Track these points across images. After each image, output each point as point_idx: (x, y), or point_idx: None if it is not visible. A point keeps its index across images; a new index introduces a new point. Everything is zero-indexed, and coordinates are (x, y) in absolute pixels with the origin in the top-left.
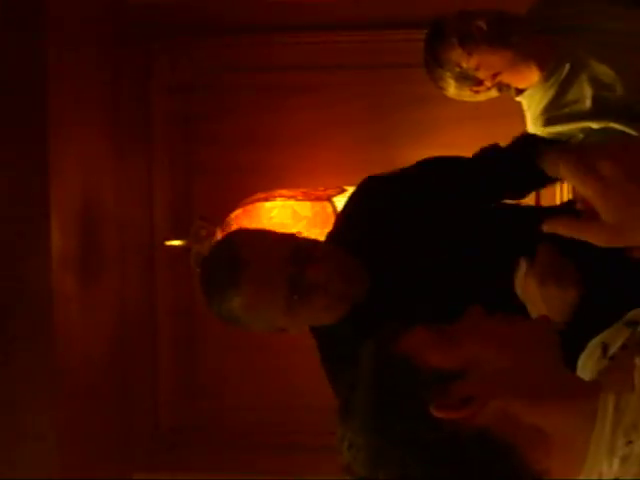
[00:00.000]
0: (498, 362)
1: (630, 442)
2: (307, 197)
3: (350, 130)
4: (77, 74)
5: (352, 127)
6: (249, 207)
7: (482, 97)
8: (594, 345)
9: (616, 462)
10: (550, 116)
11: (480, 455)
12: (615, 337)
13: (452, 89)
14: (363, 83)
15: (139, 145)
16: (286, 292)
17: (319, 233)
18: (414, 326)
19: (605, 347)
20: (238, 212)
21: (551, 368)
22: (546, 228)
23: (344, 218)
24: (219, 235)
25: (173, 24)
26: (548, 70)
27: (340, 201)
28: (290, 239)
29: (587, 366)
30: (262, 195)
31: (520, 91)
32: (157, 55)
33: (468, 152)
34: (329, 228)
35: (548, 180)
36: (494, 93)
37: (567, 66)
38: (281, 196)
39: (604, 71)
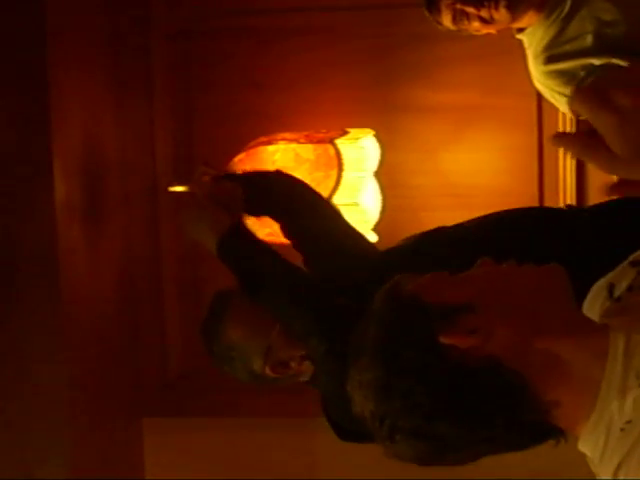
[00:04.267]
0: (506, 298)
1: None
2: (309, 140)
3: (352, 71)
4: (76, 23)
5: (353, 68)
6: (252, 151)
7: (481, 33)
8: (600, 286)
9: (629, 404)
10: (551, 54)
11: (488, 385)
12: (620, 278)
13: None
14: (363, 23)
15: (140, 92)
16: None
17: (323, 176)
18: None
19: (611, 288)
20: (241, 156)
21: (561, 305)
22: (554, 138)
23: None
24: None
25: None
26: (549, 7)
27: (342, 143)
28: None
29: (593, 307)
30: (265, 139)
31: (521, 29)
32: (155, 1)
33: (467, 91)
34: (332, 170)
35: None
36: (492, 30)
37: (568, 2)
38: (283, 139)
39: (606, 7)
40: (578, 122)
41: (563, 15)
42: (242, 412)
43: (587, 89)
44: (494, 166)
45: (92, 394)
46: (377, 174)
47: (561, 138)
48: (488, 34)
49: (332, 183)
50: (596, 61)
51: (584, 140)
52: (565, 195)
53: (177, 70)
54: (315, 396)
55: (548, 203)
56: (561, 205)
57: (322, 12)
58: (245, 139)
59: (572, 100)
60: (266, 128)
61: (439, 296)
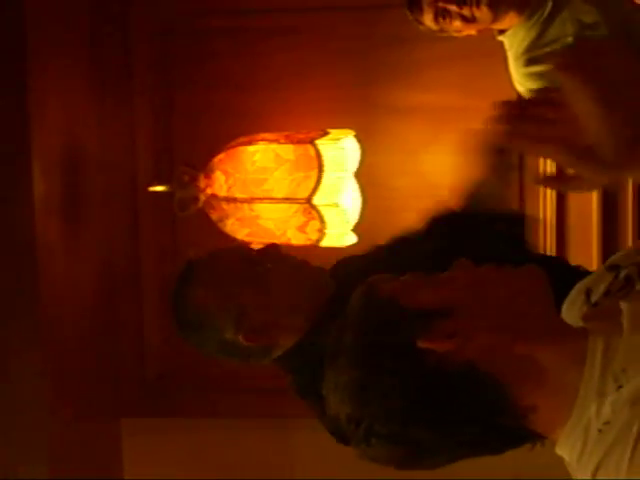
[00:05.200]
0: (485, 302)
1: (620, 387)
2: (290, 140)
3: (332, 72)
4: (56, 20)
5: (334, 69)
6: (232, 151)
7: (462, 34)
8: (577, 290)
9: (607, 407)
10: (531, 56)
11: (465, 389)
12: (598, 282)
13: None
14: (343, 24)
15: (120, 90)
16: (244, 266)
17: (303, 176)
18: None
19: (588, 292)
20: (221, 156)
21: (540, 309)
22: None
23: None
24: (202, 180)
25: None
26: (530, 9)
27: (323, 144)
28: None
29: (571, 311)
30: (245, 139)
31: (502, 31)
32: (135, 0)
33: (447, 92)
34: (313, 170)
35: None
36: (473, 32)
37: (549, 4)
38: (264, 140)
39: (586, 9)
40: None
41: (544, 17)
42: (221, 412)
43: (575, 55)
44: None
45: (71, 394)
46: (357, 175)
47: (514, 122)
48: (469, 35)
49: (312, 184)
50: None
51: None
52: (545, 196)
53: (158, 69)
54: (294, 397)
55: (529, 204)
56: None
57: (303, 13)
58: (225, 139)
59: (556, 69)
60: (246, 128)
61: (416, 299)
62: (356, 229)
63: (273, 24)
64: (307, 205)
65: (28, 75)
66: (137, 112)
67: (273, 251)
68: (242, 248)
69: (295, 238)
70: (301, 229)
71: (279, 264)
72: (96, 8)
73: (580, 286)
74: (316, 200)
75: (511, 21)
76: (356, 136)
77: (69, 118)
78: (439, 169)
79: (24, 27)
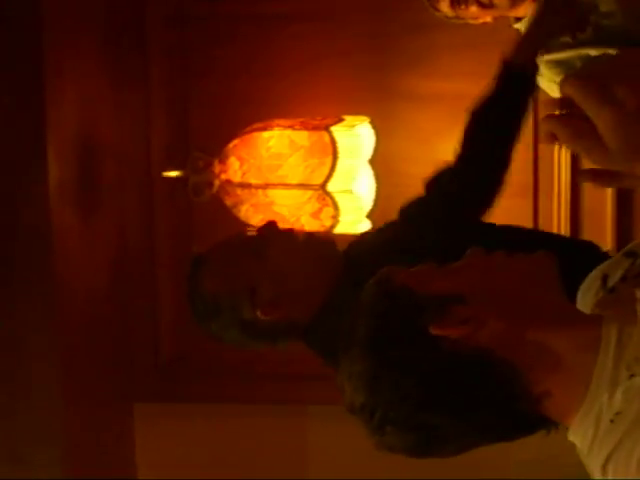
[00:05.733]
0: (498, 288)
1: (632, 375)
2: (305, 126)
3: (348, 59)
4: (72, 7)
5: (349, 55)
6: (246, 137)
7: (478, 21)
8: (593, 276)
9: (618, 396)
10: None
11: (479, 375)
12: (615, 268)
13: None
14: (359, 10)
15: (135, 77)
16: (248, 246)
17: (317, 163)
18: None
19: (605, 278)
20: (236, 142)
21: (552, 296)
22: (544, 120)
23: None
24: (217, 165)
25: None
26: None
27: (337, 130)
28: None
29: (586, 297)
30: (260, 125)
31: (518, 19)
32: None
33: (463, 80)
34: (327, 157)
35: None
36: (489, 19)
37: None
38: (278, 126)
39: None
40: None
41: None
42: (235, 398)
43: (583, 76)
44: None
45: (84, 378)
46: (372, 162)
47: (551, 121)
48: (484, 23)
49: (326, 170)
50: (593, 52)
51: (576, 126)
52: (560, 183)
53: (173, 56)
54: (309, 383)
55: (542, 192)
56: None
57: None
58: (240, 125)
59: (564, 85)
60: (261, 114)
61: (429, 287)
62: (370, 216)
63: (289, 10)
64: (321, 191)
65: (44, 62)
66: (152, 98)
67: (271, 227)
68: (240, 233)
69: (309, 224)
70: (315, 215)
71: (278, 237)
72: None
73: (597, 272)
74: (330, 187)
75: (528, 8)
76: (371, 123)
77: (84, 104)
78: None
79: (40, 14)
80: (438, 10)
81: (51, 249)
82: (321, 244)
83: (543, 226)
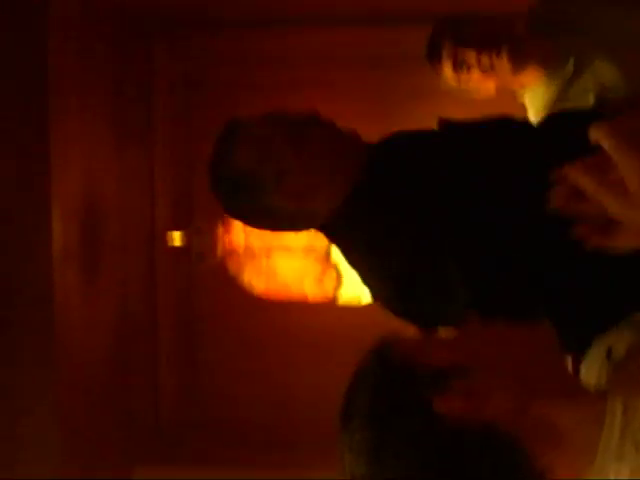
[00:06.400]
0: (500, 361)
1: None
2: None
3: (351, 123)
4: (78, 67)
5: (353, 120)
6: None
7: (481, 93)
8: (598, 347)
9: (625, 471)
10: (552, 112)
11: (481, 449)
12: (619, 340)
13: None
14: (368, 78)
15: (141, 139)
16: (285, 127)
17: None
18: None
19: (609, 350)
20: None
21: (555, 369)
22: (560, 174)
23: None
24: (220, 229)
25: (173, 18)
26: (551, 68)
27: None
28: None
29: (591, 370)
30: None
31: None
32: (157, 49)
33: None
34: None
35: None
36: (492, 89)
37: (570, 64)
38: None
39: (607, 71)
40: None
41: (566, 78)
42: (233, 463)
43: (617, 125)
44: None
45: (84, 439)
46: None
47: (573, 170)
48: (489, 96)
49: None
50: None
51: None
52: None
53: (177, 117)
54: (311, 450)
55: None
56: None
57: (323, 64)
58: None
59: (595, 130)
60: None
61: (430, 358)
62: None
63: (291, 76)
64: (324, 256)
65: (51, 122)
66: (157, 161)
67: (315, 115)
68: (282, 111)
69: (312, 288)
70: (318, 279)
71: (320, 129)
72: (119, 58)
73: (601, 343)
74: (334, 252)
75: (530, 76)
76: None
77: (90, 166)
78: None
79: (47, 76)
80: (440, 74)
81: (53, 309)
82: (351, 140)
83: None
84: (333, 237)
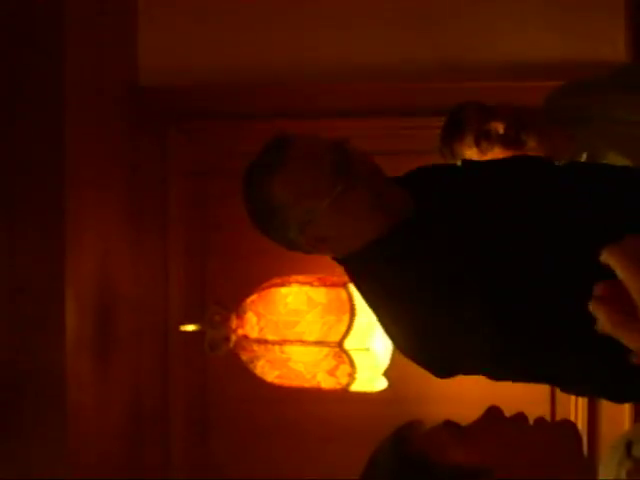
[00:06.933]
0: (517, 460)
1: None
2: (323, 283)
3: None
4: (94, 155)
5: None
6: (264, 292)
7: None
8: (617, 443)
9: None
10: None
11: None
12: (639, 437)
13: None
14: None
15: (155, 227)
16: (330, 176)
17: (334, 320)
18: (432, 427)
19: (629, 446)
20: (253, 297)
21: (574, 468)
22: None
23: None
24: (234, 320)
25: (189, 108)
26: (565, 160)
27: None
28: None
29: (610, 465)
30: (278, 280)
31: None
32: (173, 138)
33: None
34: (345, 314)
35: None
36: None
37: (584, 157)
38: (297, 282)
39: (619, 161)
40: None
41: None
42: None
43: (626, 247)
44: None
45: None
46: None
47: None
48: None
49: (344, 327)
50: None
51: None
52: (577, 409)
53: (193, 207)
54: None
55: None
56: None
57: None
58: (258, 279)
59: (607, 255)
60: (279, 268)
61: (446, 455)
62: (386, 373)
63: None
64: (338, 349)
65: (66, 209)
66: (171, 250)
67: (363, 167)
68: (338, 149)
69: (325, 381)
70: (331, 373)
71: (365, 183)
72: (134, 144)
73: (620, 439)
74: (347, 344)
75: (558, 146)
76: None
77: (103, 254)
78: None
79: (63, 160)
80: (453, 150)
81: (65, 397)
82: (395, 202)
83: None
84: (352, 274)
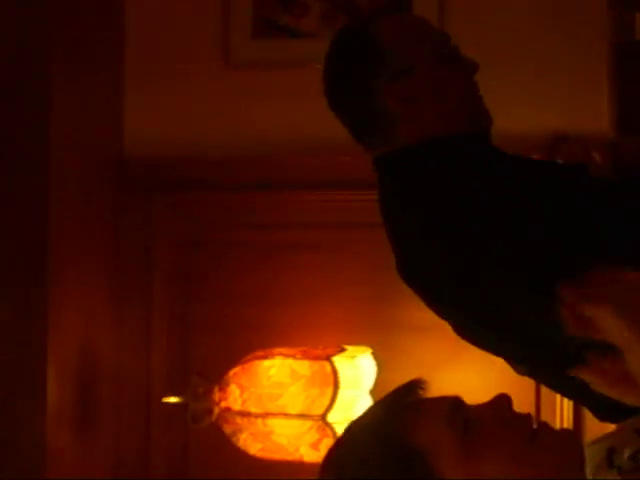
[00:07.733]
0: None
1: None
2: (306, 356)
3: (351, 288)
4: (78, 225)
5: (350, 285)
6: (247, 365)
7: None
8: (597, 447)
9: None
10: None
11: None
12: (622, 444)
13: None
14: (364, 241)
15: (139, 298)
16: (440, 42)
17: (318, 393)
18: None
19: (610, 452)
20: (236, 370)
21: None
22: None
23: None
24: (217, 393)
25: (173, 179)
26: None
27: (339, 360)
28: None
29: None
30: (261, 353)
31: None
32: (157, 210)
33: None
34: (328, 387)
35: None
36: None
37: None
38: (280, 354)
39: None
40: None
41: None
42: None
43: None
44: (492, 385)
45: None
46: (373, 392)
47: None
48: None
49: (327, 401)
50: None
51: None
52: (562, 412)
53: (176, 279)
54: None
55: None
56: None
57: (321, 229)
58: (241, 351)
59: (600, 316)
60: (263, 341)
61: (447, 464)
62: None
63: (290, 239)
64: (321, 422)
65: (47, 282)
66: (154, 321)
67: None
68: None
69: (308, 455)
70: (314, 446)
71: (467, 73)
72: (118, 215)
73: (601, 444)
74: (330, 417)
75: None
76: (373, 353)
77: (86, 325)
78: (456, 388)
79: (47, 232)
80: None
81: (45, 469)
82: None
83: None
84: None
